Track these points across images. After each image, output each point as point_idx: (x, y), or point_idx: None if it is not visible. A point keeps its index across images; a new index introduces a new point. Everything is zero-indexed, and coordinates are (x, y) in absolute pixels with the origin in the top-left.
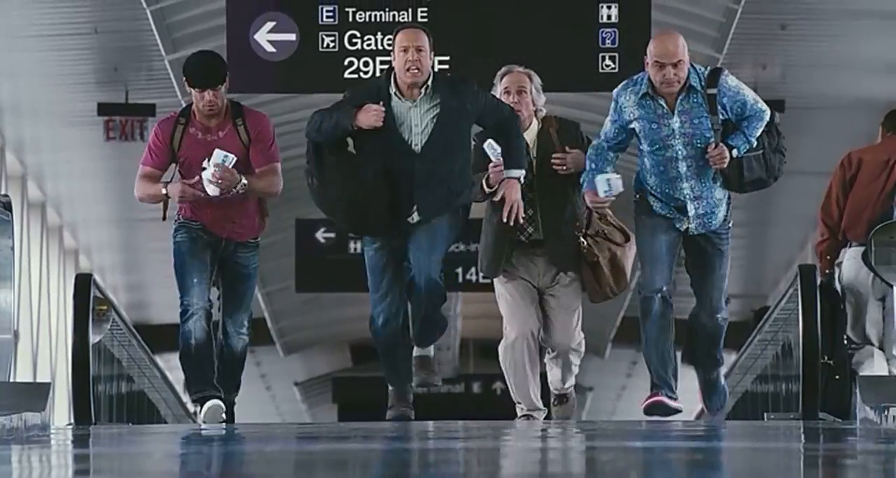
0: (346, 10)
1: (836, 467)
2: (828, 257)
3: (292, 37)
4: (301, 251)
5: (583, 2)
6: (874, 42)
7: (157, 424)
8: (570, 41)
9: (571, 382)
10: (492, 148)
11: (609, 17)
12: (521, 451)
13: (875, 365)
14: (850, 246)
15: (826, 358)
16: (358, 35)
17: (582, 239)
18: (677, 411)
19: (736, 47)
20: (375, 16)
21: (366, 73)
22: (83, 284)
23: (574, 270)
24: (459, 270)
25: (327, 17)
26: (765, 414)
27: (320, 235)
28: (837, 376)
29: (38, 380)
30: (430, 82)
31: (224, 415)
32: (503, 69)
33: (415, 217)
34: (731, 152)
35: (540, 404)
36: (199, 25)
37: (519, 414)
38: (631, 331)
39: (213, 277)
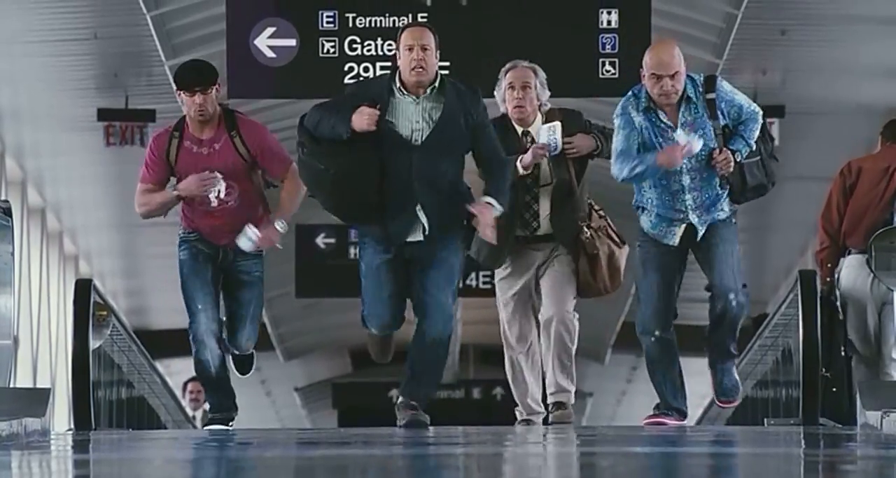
0: (347, 15)
1: (836, 473)
2: (828, 265)
3: (292, 42)
4: (301, 257)
5: (583, 7)
6: (874, 47)
7: (157, 429)
8: (570, 46)
9: (570, 387)
10: (550, 130)
11: (609, 22)
12: (522, 457)
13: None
14: (850, 254)
15: (824, 370)
16: (358, 40)
17: (585, 229)
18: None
19: (736, 53)
20: (376, 21)
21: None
22: (83, 289)
23: (572, 249)
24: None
25: (327, 22)
26: (765, 420)
27: (320, 240)
28: (835, 389)
29: (38, 385)
30: (436, 83)
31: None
32: (508, 64)
33: (419, 234)
34: (734, 156)
35: (540, 408)
36: (199, 31)
37: (518, 418)
38: (631, 336)
39: (218, 293)
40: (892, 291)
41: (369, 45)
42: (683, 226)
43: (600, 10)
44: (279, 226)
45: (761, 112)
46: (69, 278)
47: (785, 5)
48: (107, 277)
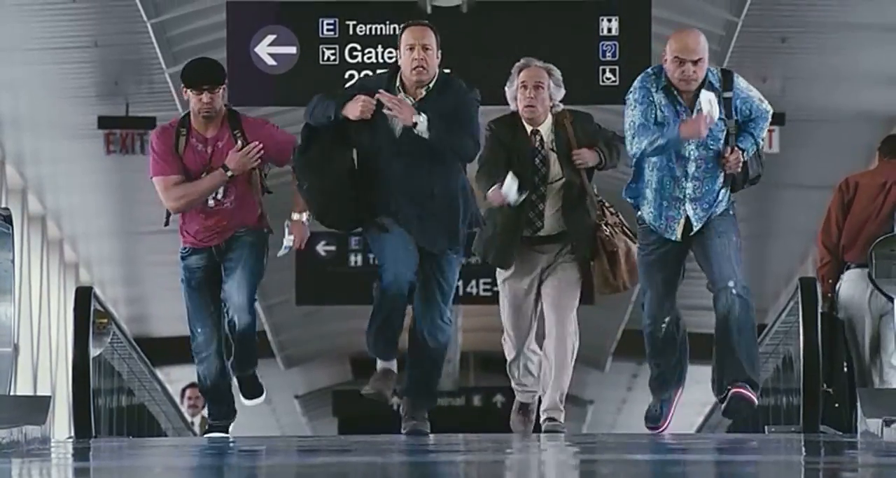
0: (347, 23)
1: None
2: (829, 281)
3: (293, 50)
4: (301, 264)
5: (583, 15)
6: (874, 55)
7: (157, 437)
8: (570, 54)
9: (562, 407)
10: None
11: (609, 30)
12: (522, 464)
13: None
14: (849, 268)
15: (825, 386)
16: (358, 48)
17: (604, 227)
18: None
19: (736, 60)
20: (376, 29)
21: None
22: (83, 297)
23: (585, 246)
24: (460, 283)
25: (328, 30)
26: (766, 427)
27: (320, 248)
28: (837, 405)
29: (39, 393)
30: (434, 82)
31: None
32: (521, 62)
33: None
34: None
35: (535, 388)
36: (200, 39)
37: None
38: (631, 344)
39: (219, 307)
40: (892, 301)
41: (370, 52)
42: (683, 220)
43: (600, 18)
44: (303, 218)
45: (771, 110)
46: (69, 286)
47: (785, 13)
48: (107, 285)
